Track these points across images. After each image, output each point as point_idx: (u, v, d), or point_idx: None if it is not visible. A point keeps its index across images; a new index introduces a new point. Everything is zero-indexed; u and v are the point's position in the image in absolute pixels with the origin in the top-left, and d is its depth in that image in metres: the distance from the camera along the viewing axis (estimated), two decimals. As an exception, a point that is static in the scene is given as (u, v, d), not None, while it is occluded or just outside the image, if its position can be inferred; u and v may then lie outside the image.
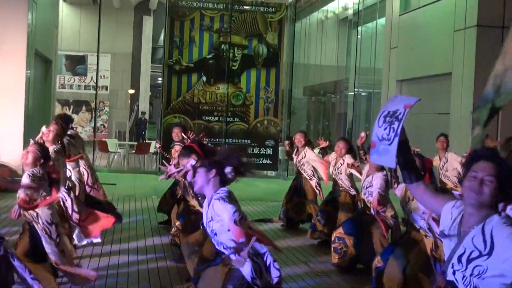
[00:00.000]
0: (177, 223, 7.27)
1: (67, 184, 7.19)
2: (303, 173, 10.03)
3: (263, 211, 11.87)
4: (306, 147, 9.98)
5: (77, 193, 7.66)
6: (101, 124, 27.19)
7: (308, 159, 9.83)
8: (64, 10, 25.53)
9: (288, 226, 10.34)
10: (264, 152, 17.69)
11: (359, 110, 22.50)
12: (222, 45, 17.74)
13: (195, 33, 17.65)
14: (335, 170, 9.07)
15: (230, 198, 4.29)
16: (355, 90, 21.62)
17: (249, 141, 17.60)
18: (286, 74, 18.67)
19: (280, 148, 17.67)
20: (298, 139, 10.09)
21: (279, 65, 18.00)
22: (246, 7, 17.99)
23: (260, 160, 17.63)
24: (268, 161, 17.78)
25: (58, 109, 25.67)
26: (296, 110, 24.60)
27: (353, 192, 8.92)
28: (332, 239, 7.73)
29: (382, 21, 20.53)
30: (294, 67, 19.69)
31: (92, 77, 26.24)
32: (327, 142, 10.20)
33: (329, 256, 7.90)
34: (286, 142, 11.14)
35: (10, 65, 12.70)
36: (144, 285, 6.74)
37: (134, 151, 20.46)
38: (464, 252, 3.00)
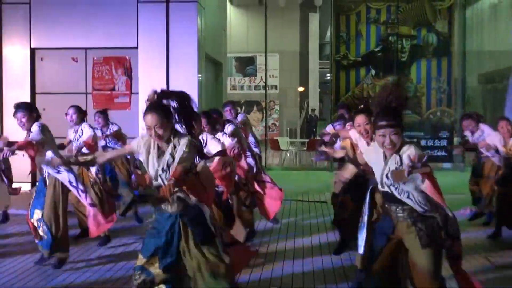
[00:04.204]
0: None
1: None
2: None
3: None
4: (480, 125, 9.44)
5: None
6: (272, 123, 27.64)
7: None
8: (232, 12, 26.20)
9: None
10: (438, 144, 17.14)
11: (539, 95, 21.16)
12: (390, 37, 17.41)
13: (362, 27, 17.47)
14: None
15: None
16: (534, 74, 20.35)
17: (422, 133, 17.13)
18: (458, 62, 17.97)
19: (455, 139, 17.05)
20: (467, 125, 9.55)
21: (451, 53, 17.39)
22: (413, -4, 17.55)
23: (434, 152, 17.11)
24: (443, 153, 17.20)
25: (230, 110, 26.41)
26: (470, 99, 23.61)
27: None
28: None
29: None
30: (467, 54, 18.89)
31: (261, 77, 26.74)
32: None
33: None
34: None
35: (182, 69, 13.22)
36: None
37: (305, 148, 20.59)
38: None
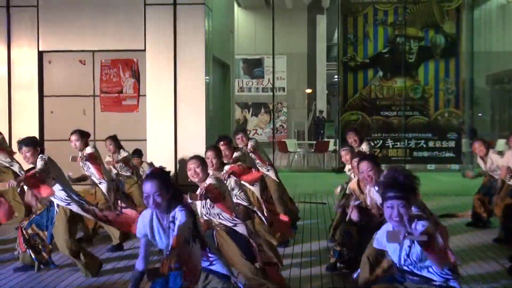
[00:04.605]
0: None
1: None
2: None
3: (447, 206, 11.46)
4: (490, 152, 9.42)
5: None
6: (280, 125, 27.64)
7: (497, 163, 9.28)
8: (239, 14, 26.20)
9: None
10: (446, 145, 17.11)
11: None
12: (397, 38, 17.39)
13: (369, 28, 17.45)
14: None
15: None
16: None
17: (430, 135, 17.10)
18: (466, 63, 17.92)
19: (463, 140, 17.03)
20: (478, 148, 9.55)
21: (459, 54, 17.35)
22: (421, -2, 17.52)
23: (442, 153, 17.09)
24: (451, 154, 17.17)
25: (237, 112, 26.50)
26: (479, 100, 23.57)
27: None
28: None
29: None
30: (475, 55, 18.83)
31: (269, 79, 26.74)
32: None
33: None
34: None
35: (190, 72, 13.22)
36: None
37: (313, 150, 20.59)
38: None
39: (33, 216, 7.15)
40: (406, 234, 4.09)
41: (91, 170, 8.45)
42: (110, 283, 6.77)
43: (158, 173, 4.54)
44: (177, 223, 4.42)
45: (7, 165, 9.82)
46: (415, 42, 17.35)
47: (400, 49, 17.32)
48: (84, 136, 8.54)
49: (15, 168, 9.80)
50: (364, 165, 6.21)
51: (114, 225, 7.60)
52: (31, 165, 7.05)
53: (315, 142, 22.47)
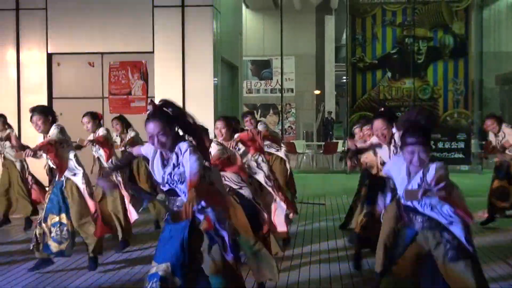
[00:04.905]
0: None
1: None
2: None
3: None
4: (503, 127, 9.39)
5: None
6: (288, 126, 27.63)
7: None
8: (247, 16, 26.20)
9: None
10: (455, 146, 17.04)
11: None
12: (406, 39, 17.36)
13: (378, 29, 17.44)
14: None
15: None
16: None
17: (439, 135, 17.05)
18: (475, 64, 17.88)
19: (472, 141, 16.96)
20: (491, 125, 9.51)
21: (468, 55, 17.31)
22: (429, -2, 17.49)
23: (451, 154, 17.02)
24: (460, 155, 17.11)
25: (247, 114, 26.39)
26: (488, 101, 23.46)
27: None
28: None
29: None
30: (484, 56, 18.79)
31: (277, 80, 26.73)
32: None
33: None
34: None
35: (198, 73, 13.24)
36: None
37: (322, 151, 20.57)
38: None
39: (45, 206, 7.14)
40: (424, 191, 4.05)
41: (100, 152, 8.52)
42: (121, 282, 6.78)
43: (160, 112, 4.44)
44: (187, 160, 4.31)
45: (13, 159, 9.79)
46: (424, 43, 17.31)
47: (409, 50, 17.29)
48: (95, 118, 8.59)
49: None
50: (379, 123, 6.03)
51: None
52: (42, 134, 7.10)
53: (323, 143, 22.44)
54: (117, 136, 9.89)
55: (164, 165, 4.51)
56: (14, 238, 9.27)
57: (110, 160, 8.49)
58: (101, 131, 8.46)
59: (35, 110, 7.04)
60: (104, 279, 6.93)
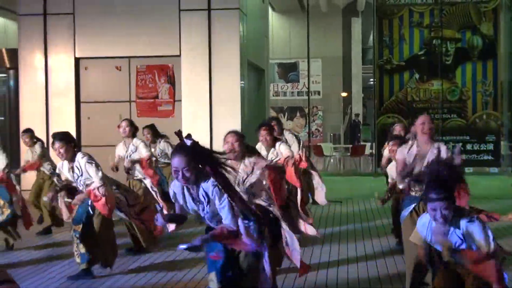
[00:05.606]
0: None
1: None
2: None
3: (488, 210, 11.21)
4: None
5: None
6: (315, 129, 27.54)
7: None
8: (274, 18, 26.20)
9: None
10: (484, 148, 16.86)
11: None
12: (434, 40, 17.21)
13: (405, 31, 17.31)
14: None
15: None
16: None
17: (468, 137, 16.87)
18: (504, 65, 17.67)
19: (502, 142, 16.76)
20: None
21: (496, 56, 17.09)
22: (457, -1, 17.32)
23: (480, 156, 16.84)
24: (490, 157, 16.91)
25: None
26: (517, 102, 23.21)
27: None
28: None
29: None
30: (513, 56, 18.57)
31: (304, 83, 26.64)
32: None
33: None
34: None
35: (225, 76, 13.26)
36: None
37: (349, 154, 20.47)
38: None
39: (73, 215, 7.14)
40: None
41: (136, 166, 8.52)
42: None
43: (187, 147, 4.41)
44: (218, 204, 4.37)
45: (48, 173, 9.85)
46: (452, 44, 17.15)
47: (437, 51, 17.14)
48: (133, 126, 8.61)
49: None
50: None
51: (143, 224, 7.58)
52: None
53: (351, 145, 22.34)
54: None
55: (194, 200, 4.54)
56: (39, 243, 9.35)
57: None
58: (144, 150, 8.54)
59: (55, 137, 6.92)
60: (133, 281, 6.96)
